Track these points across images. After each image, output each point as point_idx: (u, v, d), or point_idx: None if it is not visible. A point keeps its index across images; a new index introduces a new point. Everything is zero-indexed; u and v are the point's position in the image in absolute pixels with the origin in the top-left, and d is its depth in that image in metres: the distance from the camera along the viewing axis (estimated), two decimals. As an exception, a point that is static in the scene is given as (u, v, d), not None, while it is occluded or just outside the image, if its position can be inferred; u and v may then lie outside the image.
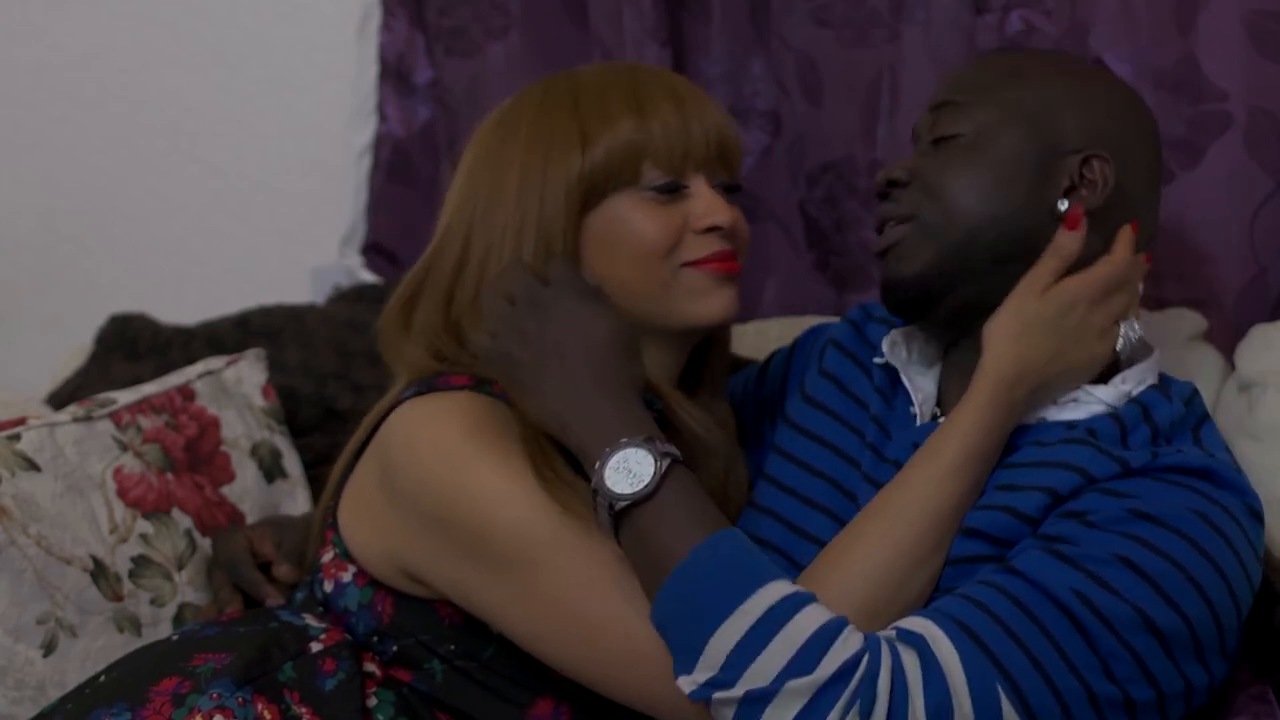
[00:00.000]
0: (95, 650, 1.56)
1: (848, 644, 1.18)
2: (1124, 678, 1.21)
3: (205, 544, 1.68)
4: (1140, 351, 1.40)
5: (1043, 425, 1.36)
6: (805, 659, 1.16)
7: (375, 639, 1.42)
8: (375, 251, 2.33)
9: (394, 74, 2.27)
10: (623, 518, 1.24)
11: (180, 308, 2.20)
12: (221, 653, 1.36)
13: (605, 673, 1.29)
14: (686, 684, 1.19)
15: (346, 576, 1.43)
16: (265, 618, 1.44)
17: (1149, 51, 1.79)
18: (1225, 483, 1.29)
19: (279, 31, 2.36)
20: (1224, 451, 1.37)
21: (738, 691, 1.17)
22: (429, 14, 2.24)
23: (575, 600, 1.28)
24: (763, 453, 1.58)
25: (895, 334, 1.48)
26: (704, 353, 1.53)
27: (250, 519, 1.75)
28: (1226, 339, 1.77)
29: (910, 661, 1.18)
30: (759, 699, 1.16)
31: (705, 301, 1.43)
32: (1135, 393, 1.37)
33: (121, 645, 1.56)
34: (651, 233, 1.41)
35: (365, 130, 2.30)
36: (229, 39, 2.38)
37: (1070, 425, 1.35)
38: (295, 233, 2.39)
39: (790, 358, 1.65)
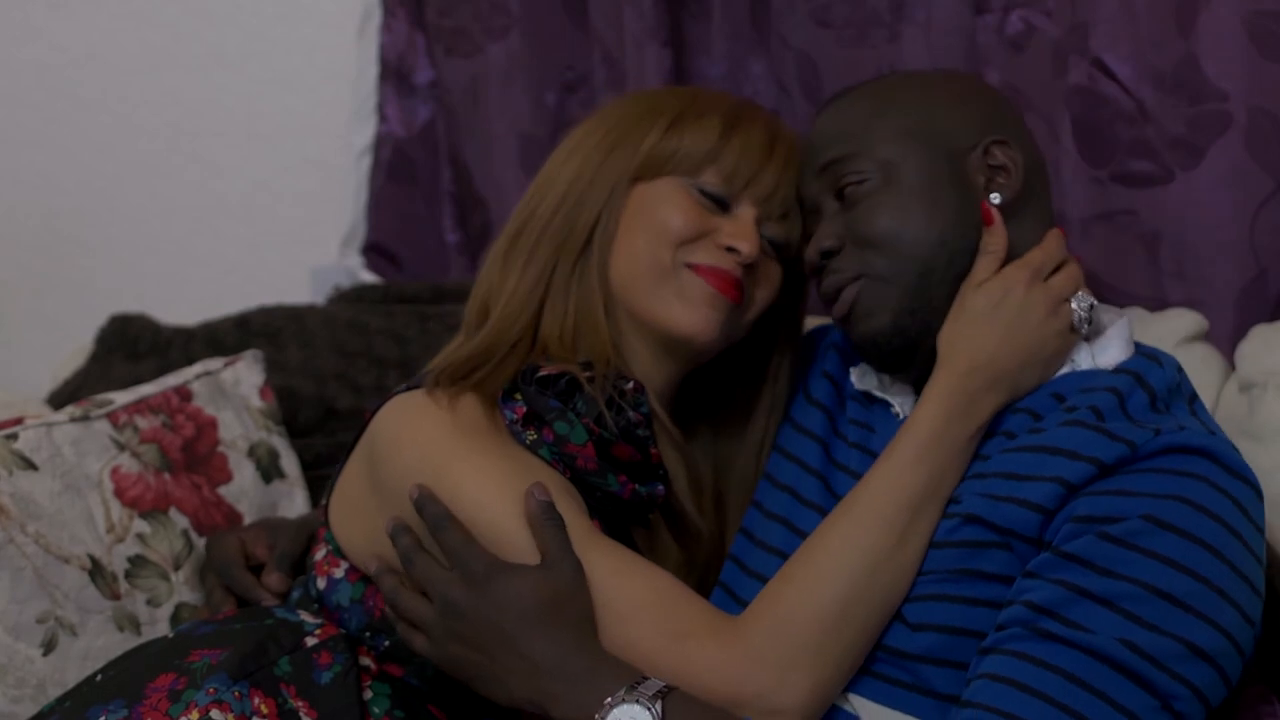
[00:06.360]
0: (95, 649, 1.56)
1: None
2: (1185, 711, 1.21)
3: (202, 544, 1.68)
4: (1108, 320, 1.40)
5: (1032, 398, 1.35)
6: None
7: (368, 634, 1.42)
8: (375, 251, 2.33)
9: (394, 74, 2.28)
10: None
11: (180, 308, 2.20)
12: (217, 648, 1.37)
13: None
14: None
15: (338, 573, 1.43)
16: (261, 615, 1.45)
17: (1149, 51, 1.79)
18: (1227, 463, 1.28)
19: (279, 31, 2.36)
20: (1220, 429, 1.37)
21: None
22: (429, 14, 2.24)
23: None
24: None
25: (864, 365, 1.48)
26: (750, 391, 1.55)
27: (248, 519, 1.75)
28: (1226, 339, 1.77)
29: None
30: None
31: (686, 310, 1.43)
32: (1123, 360, 1.37)
33: (121, 644, 1.56)
34: (677, 221, 1.44)
35: (365, 130, 2.30)
36: (229, 39, 2.39)
37: (1060, 398, 1.34)
38: (295, 233, 2.39)
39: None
